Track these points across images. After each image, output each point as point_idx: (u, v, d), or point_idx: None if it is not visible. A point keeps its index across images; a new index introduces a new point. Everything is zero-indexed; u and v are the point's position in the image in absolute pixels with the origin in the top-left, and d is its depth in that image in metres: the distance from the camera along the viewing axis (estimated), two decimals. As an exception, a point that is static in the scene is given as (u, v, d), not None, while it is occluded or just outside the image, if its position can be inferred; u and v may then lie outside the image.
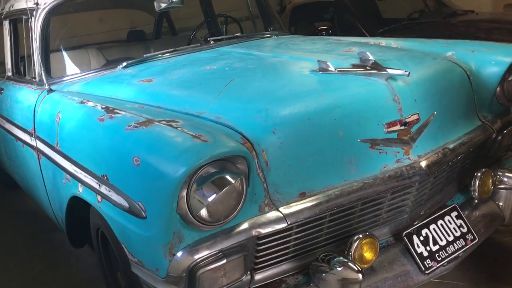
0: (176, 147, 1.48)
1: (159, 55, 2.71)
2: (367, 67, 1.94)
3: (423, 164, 1.85)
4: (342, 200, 1.71)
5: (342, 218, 1.78)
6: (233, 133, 1.64)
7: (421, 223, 1.92)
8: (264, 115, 1.70)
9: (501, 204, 2.14)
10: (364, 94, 1.83)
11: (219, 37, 2.98)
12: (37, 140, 2.46)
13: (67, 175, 2.10)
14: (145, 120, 1.71)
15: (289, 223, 1.62)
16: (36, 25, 2.64)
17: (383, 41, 2.76)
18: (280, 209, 1.64)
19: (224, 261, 1.52)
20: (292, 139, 1.68)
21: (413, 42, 2.65)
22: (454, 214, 2.00)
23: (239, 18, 3.77)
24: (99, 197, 1.82)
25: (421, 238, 1.88)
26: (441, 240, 1.91)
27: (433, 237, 1.90)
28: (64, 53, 2.84)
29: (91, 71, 2.66)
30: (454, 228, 1.96)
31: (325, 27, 4.54)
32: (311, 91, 1.84)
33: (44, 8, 2.65)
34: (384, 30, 4.40)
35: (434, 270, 1.86)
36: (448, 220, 1.97)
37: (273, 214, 1.62)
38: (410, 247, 1.85)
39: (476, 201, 2.10)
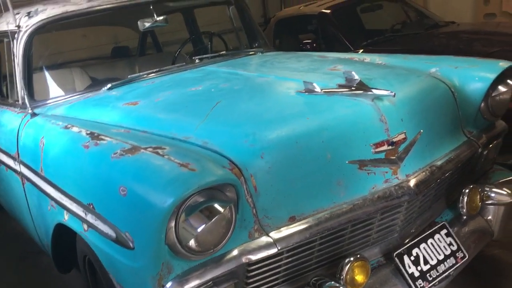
0: (163, 177, 1.46)
1: (144, 76, 2.69)
2: (353, 87, 1.95)
3: (412, 183, 1.85)
4: (332, 223, 1.70)
5: (333, 240, 1.77)
6: (220, 159, 1.63)
7: (412, 242, 1.92)
8: (252, 139, 1.69)
9: (489, 219, 2.15)
10: (351, 116, 1.84)
11: (204, 56, 2.97)
12: (21, 165, 2.41)
13: (52, 202, 2.07)
14: (131, 147, 1.69)
15: (279, 248, 1.61)
16: (18, 48, 2.60)
17: (367, 57, 2.77)
18: (270, 234, 1.62)
19: (215, 290, 1.51)
20: (280, 163, 1.67)
21: (396, 58, 2.67)
22: (443, 232, 2.00)
23: (223, 33, 3.77)
24: (85, 226, 1.79)
25: (412, 258, 1.87)
26: (432, 259, 1.91)
27: (424, 256, 1.90)
28: (48, 75, 2.81)
29: (75, 94, 2.63)
30: (444, 247, 1.96)
31: (309, 41, 4.56)
32: (298, 113, 1.84)
33: (26, 31, 2.62)
34: (368, 43, 4.43)
35: (426, 289, 1.86)
36: (438, 239, 1.97)
37: (263, 240, 1.61)
38: (401, 267, 1.85)
39: (465, 217, 2.11)
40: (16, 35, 2.63)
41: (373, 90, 1.89)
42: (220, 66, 2.73)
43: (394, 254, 1.87)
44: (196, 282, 1.49)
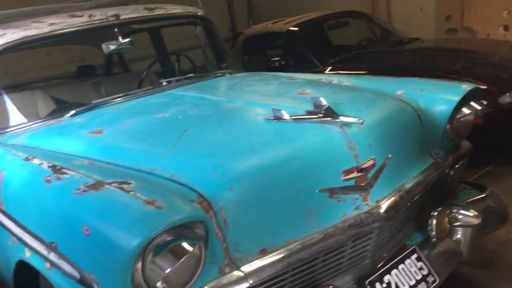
0: (128, 216, 1.41)
1: (109, 101, 2.62)
2: (321, 114, 1.95)
3: (382, 209, 1.85)
4: (304, 254, 1.68)
5: (305, 271, 1.74)
6: (189, 192, 1.59)
7: (383, 269, 1.92)
8: (220, 171, 1.65)
9: (458, 240, 2.17)
10: (320, 143, 1.83)
11: (171, 79, 2.92)
12: (-21, 197, 2.30)
13: (14, 238, 1.97)
14: (94, 182, 1.63)
15: (251, 282, 1.57)
16: (-24, 74, 2.50)
17: (335, 79, 2.79)
18: (242, 268, 1.59)
19: (185, 330, 1.46)
20: (250, 194, 1.64)
21: (363, 80, 2.69)
22: (414, 256, 2.01)
23: (191, 53, 3.74)
24: (47, 264, 1.71)
25: (384, 285, 1.87)
26: (404, 285, 1.90)
27: (396, 283, 1.90)
28: (8, 100, 2.69)
29: (38, 121, 2.54)
30: (415, 271, 1.96)
31: (278, 58, 4.57)
32: (267, 142, 1.81)
33: (-16, 56, 2.53)
34: (335, 60, 4.48)
35: (399, 316, 1.85)
36: (409, 264, 1.97)
37: (234, 275, 1.57)
38: (374, 295, 1.84)
39: (434, 240, 2.12)
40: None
41: (341, 117, 1.89)
42: (187, 90, 2.69)
43: (367, 282, 1.86)
44: (166, 323, 1.43)
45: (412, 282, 1.93)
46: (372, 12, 6.82)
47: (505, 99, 3.50)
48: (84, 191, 1.59)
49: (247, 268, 1.59)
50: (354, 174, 1.84)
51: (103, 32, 2.94)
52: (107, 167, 1.86)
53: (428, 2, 6.42)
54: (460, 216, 2.14)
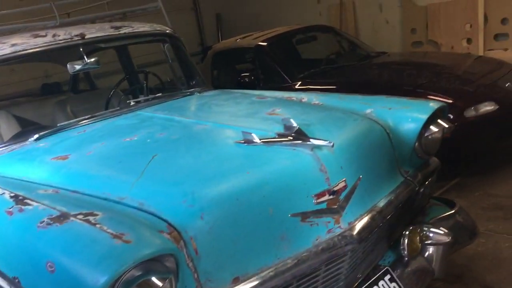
0: (95, 252, 1.36)
1: (75, 124, 2.55)
2: (292, 136, 1.94)
3: (354, 231, 1.84)
4: (277, 280, 1.66)
5: (279, 297, 1.72)
6: (158, 222, 1.55)
7: (357, 292, 1.91)
8: (191, 199, 1.62)
9: (430, 258, 2.18)
10: (291, 167, 1.81)
11: (139, 99, 2.87)
12: None
13: (-26, 271, 1.88)
14: (59, 214, 1.56)
15: (223, 313, 1.54)
16: None
17: (305, 97, 2.78)
18: (214, 298, 1.55)
19: None
20: (221, 222, 1.61)
21: (333, 98, 2.70)
22: (387, 277, 2.01)
23: (159, 70, 3.69)
24: (11, 301, 1.63)
25: (359, 308, 1.86)
26: (378, 307, 1.90)
27: (370, 305, 1.89)
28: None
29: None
30: (389, 293, 1.97)
31: (248, 74, 4.57)
32: (238, 167, 1.79)
33: None
34: (305, 75, 4.50)
35: (373, 338, 1.84)
36: (383, 285, 1.97)
37: (206, 306, 1.53)
38: (349, 319, 1.83)
39: (406, 258, 2.13)
40: None
41: (311, 140, 1.88)
42: (156, 111, 2.64)
43: (341, 306, 1.85)
44: None
45: (386, 304, 1.93)
46: (339, 26, 6.93)
47: (470, 112, 3.58)
48: (48, 224, 1.53)
49: (220, 298, 1.56)
50: (326, 197, 1.83)
51: (68, 51, 2.88)
52: (73, 196, 1.79)
53: (393, 15, 6.56)
54: (431, 234, 2.16)
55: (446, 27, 5.91)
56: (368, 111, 2.41)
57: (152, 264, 1.38)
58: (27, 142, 2.43)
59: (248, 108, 2.56)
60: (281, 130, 2.01)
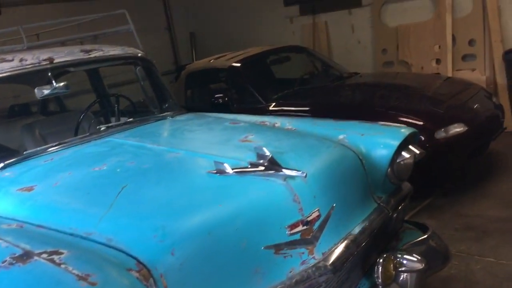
0: (59, 296, 1.30)
1: (42, 151, 2.48)
2: (265, 166, 1.92)
3: (329, 261, 1.82)
4: (251, 316, 1.62)
5: (252, 332, 1.68)
6: (127, 259, 1.49)
7: (332, 323, 1.88)
8: (161, 234, 1.57)
9: (404, 284, 2.17)
10: (264, 198, 1.79)
11: (109, 124, 2.81)
12: None
13: None
14: (22, 253, 1.49)
15: None
16: None
17: (278, 121, 2.78)
18: (185, 337, 1.50)
19: None
20: (192, 257, 1.57)
21: (306, 123, 2.70)
22: (362, 307, 1.99)
23: (132, 92, 3.64)
24: None
25: None
26: (353, 338, 1.88)
27: (345, 337, 1.86)
28: None
29: (-39, 176, 2.35)
30: (363, 323, 1.94)
31: (221, 95, 4.55)
32: (210, 200, 1.76)
33: None
34: (279, 96, 4.51)
35: None
36: (357, 315, 1.95)
37: None
38: None
39: (381, 286, 2.12)
40: None
41: (284, 170, 1.87)
42: (127, 137, 2.58)
43: None
44: None
45: (361, 335, 1.90)
46: (313, 45, 7.01)
47: (441, 134, 3.64)
48: (11, 264, 1.45)
49: (191, 336, 1.51)
50: (300, 228, 1.81)
51: (36, 76, 2.81)
52: (38, 231, 1.72)
53: (365, 36, 6.67)
54: (404, 261, 2.15)
55: (416, 48, 6.03)
56: (341, 137, 2.41)
57: (120, 307, 1.33)
58: (-9, 171, 2.34)
59: (221, 135, 2.53)
60: (254, 159, 1.99)
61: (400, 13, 6.18)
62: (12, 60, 2.72)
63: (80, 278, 1.33)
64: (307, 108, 4.26)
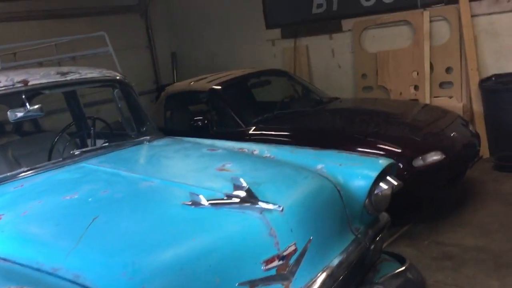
0: None
1: (13, 177, 2.40)
2: (241, 197, 1.88)
3: (305, 298, 1.79)
4: None
5: None
6: (94, 298, 1.43)
7: None
8: (131, 271, 1.52)
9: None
10: (239, 232, 1.76)
11: (84, 149, 2.74)
12: None
13: None
14: (-17, 290, 1.43)
15: None
16: None
17: (256, 149, 2.75)
18: None
19: None
20: (164, 295, 1.52)
21: (284, 151, 2.68)
22: None
23: (109, 111, 3.57)
24: None
25: None
26: None
27: None
28: None
29: None
30: None
31: (201, 117, 4.51)
32: (183, 233, 1.71)
33: None
34: (259, 120, 4.49)
35: None
36: None
37: None
38: None
39: (358, 321, 2.09)
40: None
41: (260, 203, 1.84)
42: (101, 163, 2.52)
43: None
44: None
45: None
46: (294, 68, 7.05)
47: (418, 162, 3.66)
48: (-31, 303, 1.39)
49: None
50: (276, 263, 1.77)
51: (10, 98, 2.74)
52: (3, 265, 1.65)
53: (345, 60, 6.74)
54: (381, 295, 2.13)
55: (394, 73, 6.11)
56: (319, 166, 2.40)
57: None
58: (-42, 198, 2.25)
59: (198, 162, 2.50)
60: (230, 190, 1.96)
61: (380, 39, 6.27)
62: (-15, 82, 2.66)
63: (43, 320, 1.27)
64: (287, 133, 4.25)
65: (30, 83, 2.72)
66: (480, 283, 3.03)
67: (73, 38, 3.65)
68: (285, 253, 1.80)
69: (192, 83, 5.15)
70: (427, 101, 5.76)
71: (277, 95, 5.36)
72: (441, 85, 5.84)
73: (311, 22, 6.88)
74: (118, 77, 3.22)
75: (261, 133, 4.32)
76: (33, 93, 2.97)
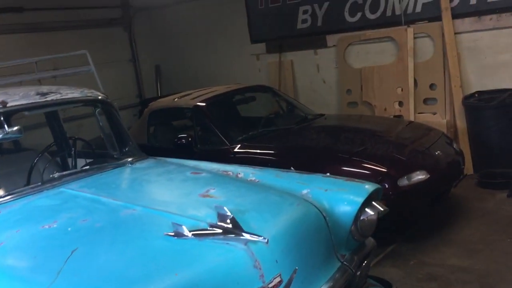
0: None
1: (-11, 203, 2.32)
2: (225, 228, 1.84)
3: (290, 334, 1.74)
4: None
5: None
6: None
7: None
8: (110, 309, 1.46)
9: None
10: (223, 265, 1.71)
11: (64, 173, 2.67)
12: None
13: None
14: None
15: None
16: None
17: (241, 172, 2.71)
18: None
19: None
20: (144, 335, 1.46)
21: (269, 175, 2.64)
22: None
23: (92, 127, 3.50)
24: None
25: None
26: None
27: None
28: None
29: None
30: None
31: (185, 135, 4.45)
32: (165, 267, 1.66)
33: None
34: (243, 138, 4.45)
35: None
36: None
37: None
38: None
39: None
40: None
41: (245, 234, 1.80)
42: (82, 188, 2.46)
43: None
44: None
45: None
46: (279, 83, 7.05)
47: (403, 181, 3.65)
48: None
49: None
50: (261, 296, 1.73)
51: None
52: (-25, 303, 1.58)
53: (330, 76, 6.76)
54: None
55: (379, 89, 6.14)
56: (305, 191, 2.37)
57: None
58: None
59: (181, 187, 2.45)
60: (214, 219, 1.92)
61: (364, 55, 6.31)
62: (-38, 102, 2.58)
63: None
64: (272, 152, 4.22)
65: (9, 105, 2.65)
66: (465, 305, 3.02)
67: (54, 56, 3.59)
68: (270, 285, 1.76)
69: (176, 100, 5.10)
70: (411, 117, 5.79)
71: (262, 111, 5.34)
72: (425, 101, 5.88)
73: (296, 37, 6.91)
74: (100, 97, 3.16)
75: (246, 151, 4.28)
76: (12, 114, 2.91)
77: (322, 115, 5.16)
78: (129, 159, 2.96)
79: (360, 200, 2.29)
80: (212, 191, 2.29)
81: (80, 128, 6.21)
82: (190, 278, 1.63)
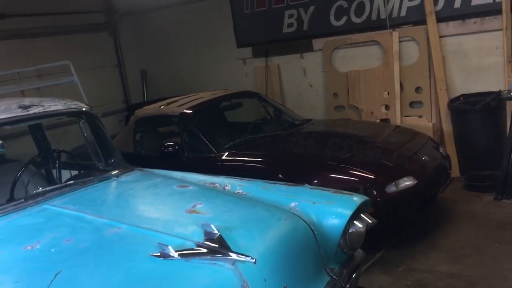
0: None
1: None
2: (212, 247, 1.81)
3: None
4: None
5: None
6: None
7: None
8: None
9: None
10: (211, 286, 1.68)
11: (48, 188, 2.62)
12: None
13: None
14: None
15: None
16: None
17: (228, 184, 2.69)
18: None
19: None
20: None
21: (257, 187, 2.62)
22: None
23: (77, 134, 3.45)
24: None
25: None
26: None
27: None
28: None
29: None
30: None
31: (172, 143, 4.40)
32: (151, 293, 1.62)
33: None
34: (231, 146, 4.42)
35: None
36: None
37: None
38: None
39: None
40: None
41: (232, 254, 1.77)
42: (66, 204, 2.41)
43: None
44: None
45: None
46: (266, 87, 7.04)
47: (391, 188, 3.65)
48: None
49: None
50: (249, 317, 1.70)
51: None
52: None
53: (317, 80, 6.76)
54: None
55: (365, 93, 6.16)
56: (293, 204, 2.36)
57: None
58: None
59: (167, 203, 2.41)
60: (201, 237, 1.89)
61: (350, 59, 6.31)
62: None
63: None
64: (259, 159, 4.19)
65: (-11, 119, 2.60)
66: (454, 312, 3.02)
67: (37, 68, 3.53)
68: (258, 306, 1.73)
69: (162, 107, 5.05)
70: (398, 121, 5.81)
71: (249, 117, 5.31)
72: (411, 104, 5.90)
73: (282, 41, 6.89)
74: (83, 109, 3.11)
75: (234, 159, 4.25)
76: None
77: (309, 120, 5.15)
78: (114, 172, 2.92)
79: (349, 213, 2.27)
80: (199, 206, 2.26)
81: (66, 135, 6.14)
82: (176, 302, 1.60)
